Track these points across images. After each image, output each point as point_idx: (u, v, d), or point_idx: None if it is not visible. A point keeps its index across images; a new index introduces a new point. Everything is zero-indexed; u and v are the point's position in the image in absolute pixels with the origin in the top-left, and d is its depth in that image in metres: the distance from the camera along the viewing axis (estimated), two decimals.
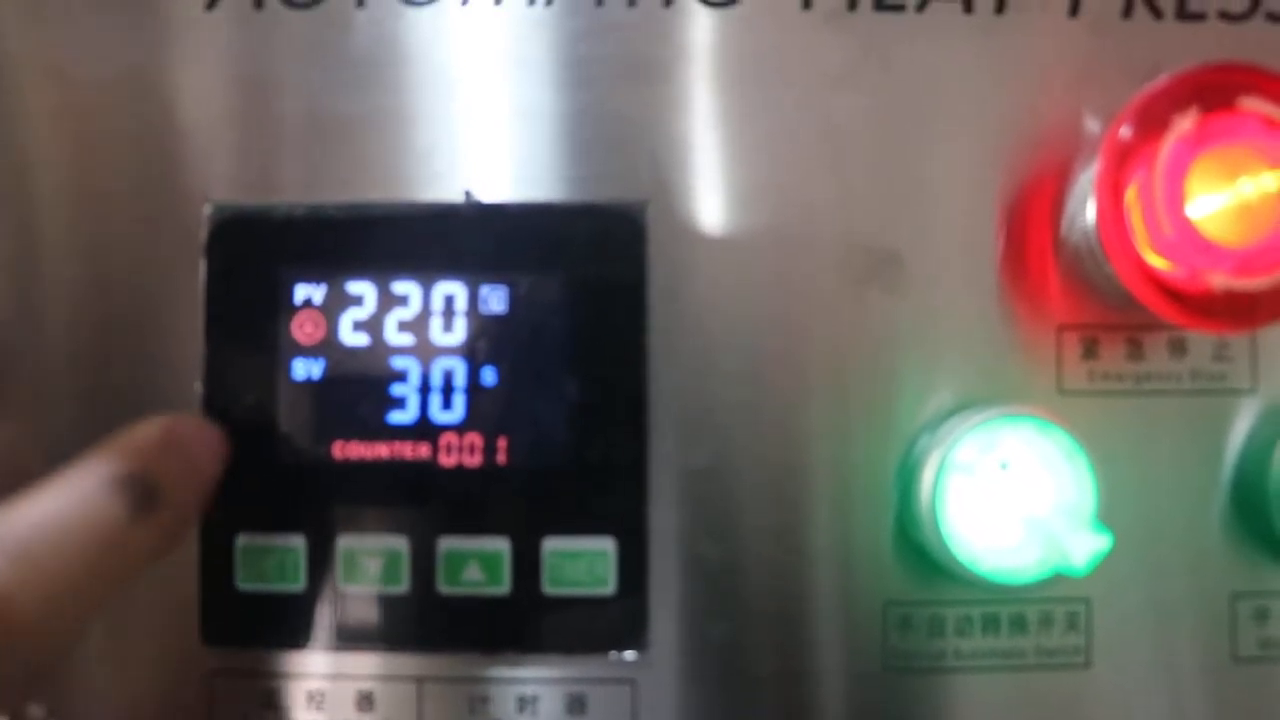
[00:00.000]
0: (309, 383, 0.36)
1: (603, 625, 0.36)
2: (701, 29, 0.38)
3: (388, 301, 0.36)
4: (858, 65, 0.38)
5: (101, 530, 0.29)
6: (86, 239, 0.38)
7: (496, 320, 0.36)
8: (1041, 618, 0.37)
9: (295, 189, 0.38)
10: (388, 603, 0.36)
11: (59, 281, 0.38)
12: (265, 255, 0.36)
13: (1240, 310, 0.33)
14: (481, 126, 0.38)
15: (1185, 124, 0.33)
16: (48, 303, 0.38)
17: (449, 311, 0.36)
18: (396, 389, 0.36)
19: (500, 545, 0.36)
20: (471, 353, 0.36)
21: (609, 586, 0.36)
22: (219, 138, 0.38)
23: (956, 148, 0.38)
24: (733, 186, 0.38)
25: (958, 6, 0.38)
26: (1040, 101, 0.38)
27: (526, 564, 0.36)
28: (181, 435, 0.33)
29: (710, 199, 0.38)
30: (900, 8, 0.38)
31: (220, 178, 0.38)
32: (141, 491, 0.30)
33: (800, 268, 0.38)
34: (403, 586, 0.36)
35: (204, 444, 0.34)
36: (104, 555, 0.29)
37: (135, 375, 0.37)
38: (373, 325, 0.36)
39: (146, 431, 0.32)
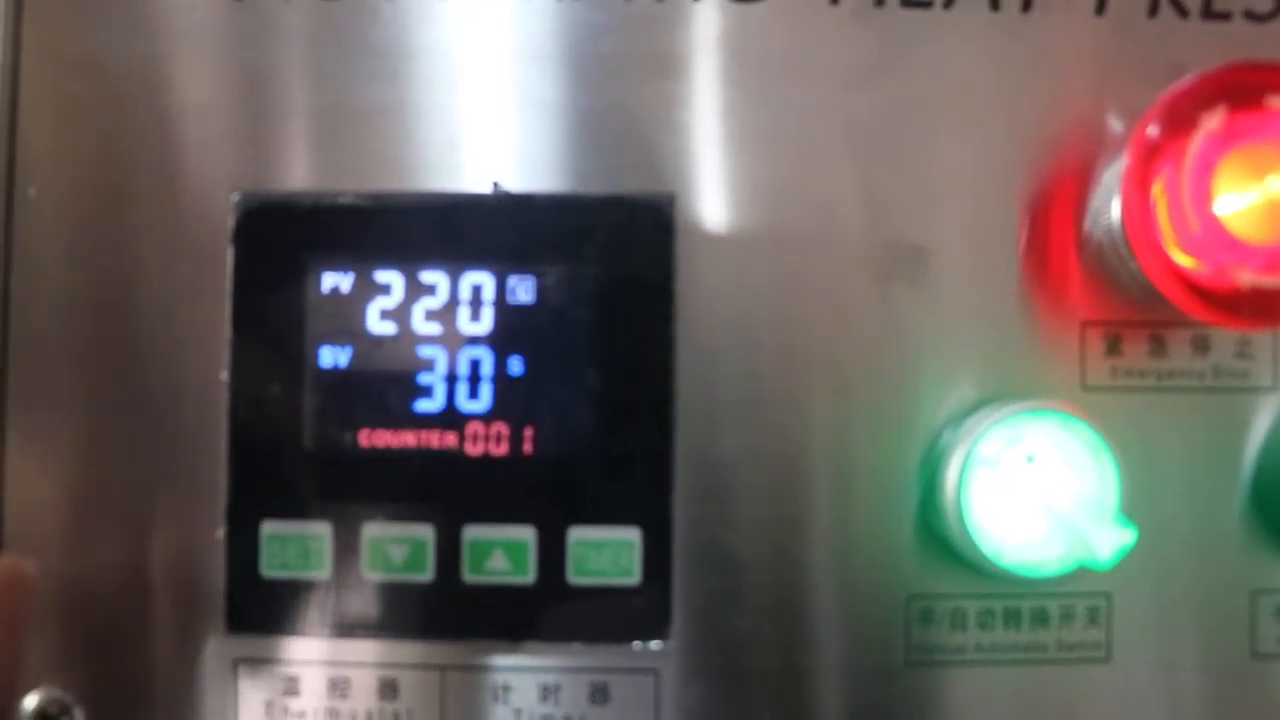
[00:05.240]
0: (336, 371, 0.36)
1: (627, 615, 0.36)
2: (723, 24, 0.38)
3: (415, 290, 0.36)
4: (881, 62, 0.38)
5: None
6: (108, 231, 0.38)
7: (524, 310, 0.36)
8: (1063, 612, 0.38)
9: (311, 181, 0.38)
10: (412, 591, 0.36)
11: (81, 274, 0.38)
12: (293, 243, 0.36)
13: (1265, 307, 0.33)
14: (497, 120, 0.38)
15: (1213, 122, 0.33)
16: (75, 296, 0.38)
17: (476, 301, 0.36)
18: (423, 378, 0.36)
19: (525, 534, 0.36)
20: (498, 342, 0.36)
21: (634, 576, 0.36)
22: (235, 129, 0.38)
23: (979, 144, 0.38)
24: (754, 182, 0.38)
25: (984, 4, 0.38)
26: (1064, 99, 0.38)
27: (552, 553, 0.36)
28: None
29: (730, 195, 0.38)
30: (927, 4, 0.38)
31: (236, 169, 0.38)
32: None
33: (821, 264, 0.38)
34: (427, 575, 0.36)
35: (14, 597, 0.33)
36: None
37: (162, 366, 0.37)
38: (400, 314, 0.36)
39: None
